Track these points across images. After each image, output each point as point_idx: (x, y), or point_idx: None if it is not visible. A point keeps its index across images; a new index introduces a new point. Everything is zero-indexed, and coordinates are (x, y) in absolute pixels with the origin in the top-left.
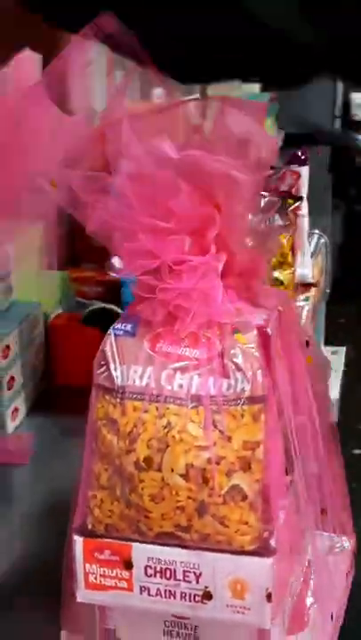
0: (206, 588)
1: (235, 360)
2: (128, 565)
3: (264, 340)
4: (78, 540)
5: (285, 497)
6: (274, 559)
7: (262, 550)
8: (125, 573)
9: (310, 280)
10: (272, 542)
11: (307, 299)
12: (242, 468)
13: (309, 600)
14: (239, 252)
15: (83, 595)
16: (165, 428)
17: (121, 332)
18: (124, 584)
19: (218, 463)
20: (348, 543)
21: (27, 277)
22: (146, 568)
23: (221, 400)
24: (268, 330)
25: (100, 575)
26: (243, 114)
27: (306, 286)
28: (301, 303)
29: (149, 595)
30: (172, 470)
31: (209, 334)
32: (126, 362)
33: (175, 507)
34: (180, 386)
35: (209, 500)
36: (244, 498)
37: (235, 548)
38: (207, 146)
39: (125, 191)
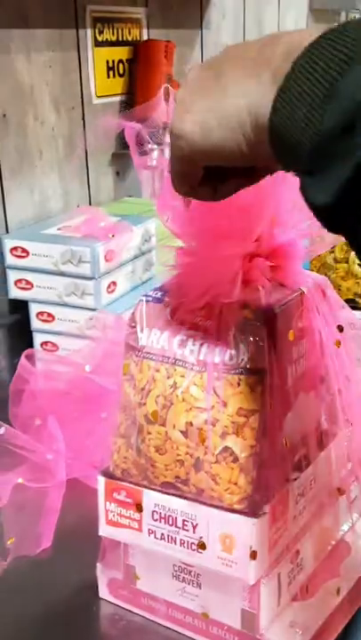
0: (201, 538)
1: (239, 333)
2: (139, 508)
3: (271, 318)
4: (101, 480)
5: (283, 469)
6: (260, 521)
7: (249, 511)
8: (137, 515)
9: None
10: (264, 507)
11: None
12: (235, 433)
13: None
14: (270, 234)
15: (103, 530)
16: (172, 387)
17: (150, 299)
18: (136, 525)
19: (213, 425)
20: None
21: (167, 254)
22: (153, 513)
23: (222, 368)
24: (276, 309)
25: (118, 514)
26: None
27: None
28: None
29: (155, 537)
30: (174, 426)
31: (222, 307)
32: (149, 325)
33: (175, 460)
34: (191, 351)
35: (204, 457)
36: (235, 460)
37: (225, 504)
38: None
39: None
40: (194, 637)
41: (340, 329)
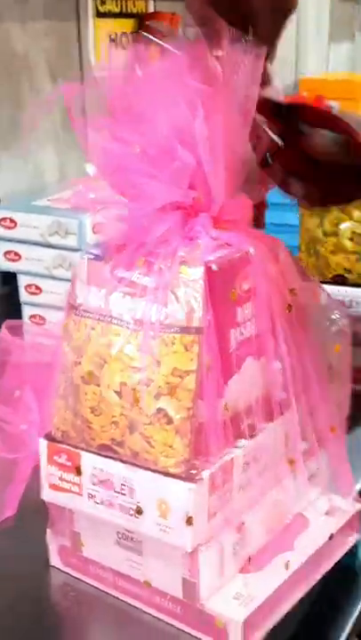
0: (138, 503)
1: (175, 291)
2: (78, 471)
3: (210, 277)
4: (43, 444)
5: (225, 436)
6: (198, 487)
7: (185, 475)
8: (77, 479)
9: None
10: (203, 472)
11: None
12: (169, 393)
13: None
14: (216, 192)
15: (46, 494)
16: (107, 346)
17: (92, 256)
18: (77, 489)
19: (147, 385)
20: (346, 505)
21: None
22: (91, 476)
23: (158, 327)
24: (213, 266)
25: (59, 478)
26: None
27: None
28: None
29: (95, 502)
30: (109, 386)
31: (162, 265)
32: (89, 283)
33: (111, 421)
34: (128, 309)
35: (138, 418)
36: (170, 422)
37: (160, 468)
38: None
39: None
40: (139, 607)
41: (293, 293)
